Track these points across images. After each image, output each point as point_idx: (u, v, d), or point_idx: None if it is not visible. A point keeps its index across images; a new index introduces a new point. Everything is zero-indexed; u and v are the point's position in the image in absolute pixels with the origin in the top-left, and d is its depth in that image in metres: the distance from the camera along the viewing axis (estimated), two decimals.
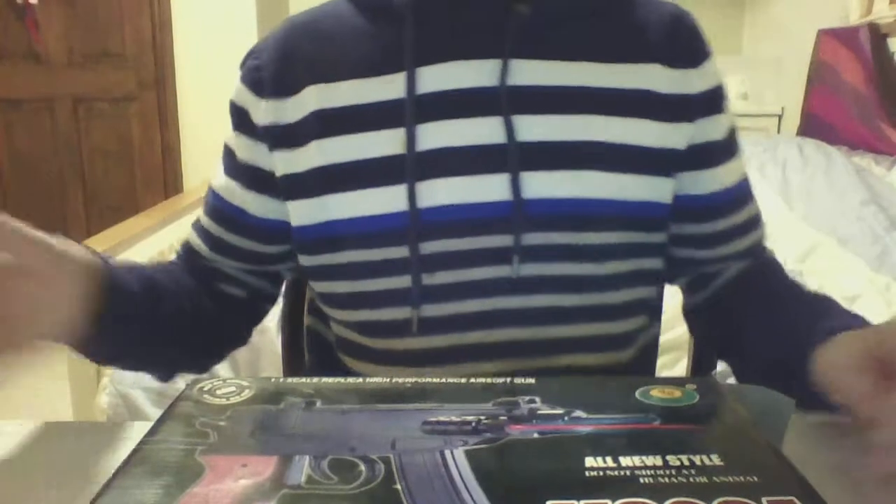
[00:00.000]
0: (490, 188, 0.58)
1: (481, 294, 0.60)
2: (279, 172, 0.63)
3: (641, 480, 0.38)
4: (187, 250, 0.71)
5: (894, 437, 0.40)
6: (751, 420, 0.45)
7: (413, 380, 0.51)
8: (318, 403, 0.48)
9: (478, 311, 0.60)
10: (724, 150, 0.66)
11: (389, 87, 0.60)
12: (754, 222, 0.69)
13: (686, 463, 0.40)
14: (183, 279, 0.66)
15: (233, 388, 0.50)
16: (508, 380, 0.50)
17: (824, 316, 0.55)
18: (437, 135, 0.59)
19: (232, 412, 0.47)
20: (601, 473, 0.39)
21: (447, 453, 0.41)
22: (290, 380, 0.52)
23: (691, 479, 0.38)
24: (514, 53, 0.60)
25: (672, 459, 0.40)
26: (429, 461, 0.40)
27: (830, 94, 2.79)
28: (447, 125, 0.59)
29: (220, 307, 0.67)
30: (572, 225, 0.59)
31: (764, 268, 0.68)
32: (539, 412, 0.46)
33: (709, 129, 0.64)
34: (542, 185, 0.58)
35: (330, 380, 0.52)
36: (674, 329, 1.30)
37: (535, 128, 0.59)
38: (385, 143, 0.59)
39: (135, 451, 0.42)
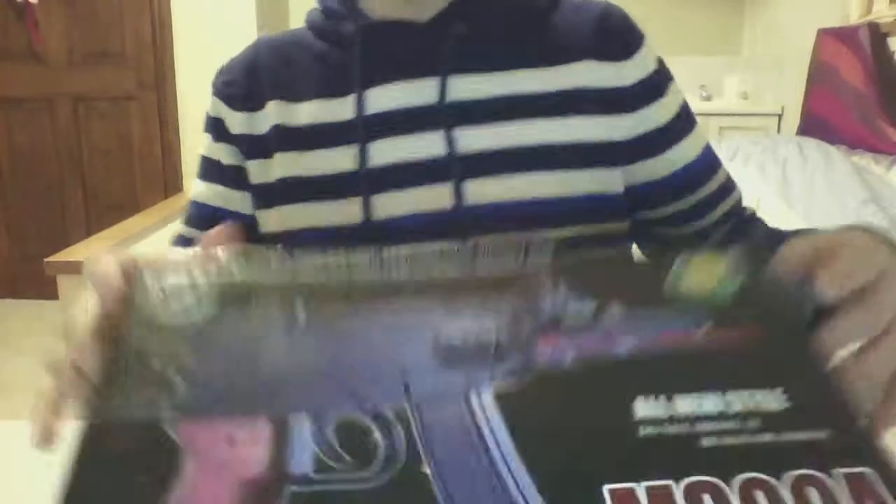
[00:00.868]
0: (437, 198, 0.62)
1: None
2: (253, 181, 0.68)
3: (704, 443, 0.33)
4: None
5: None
6: (794, 312, 0.39)
7: (406, 257, 0.42)
8: (301, 314, 0.38)
9: None
10: (675, 130, 0.67)
11: (342, 108, 0.65)
12: (727, 188, 0.71)
13: (751, 407, 0.35)
14: None
15: (188, 296, 0.40)
16: (522, 255, 0.42)
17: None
18: (386, 151, 0.63)
19: (195, 339, 0.37)
20: (657, 432, 0.34)
21: (474, 403, 0.34)
22: (255, 268, 0.42)
23: (757, 439, 0.34)
24: (451, 70, 0.64)
25: (734, 402, 0.35)
26: (454, 419, 0.34)
27: (830, 93, 2.79)
28: (395, 142, 0.63)
29: None
30: (523, 226, 0.61)
31: (745, 226, 0.71)
32: (568, 311, 0.38)
33: (652, 116, 0.66)
34: (487, 190, 0.62)
35: (305, 266, 0.42)
36: None
37: (476, 138, 0.62)
38: (340, 159, 0.64)
39: (87, 429, 0.34)
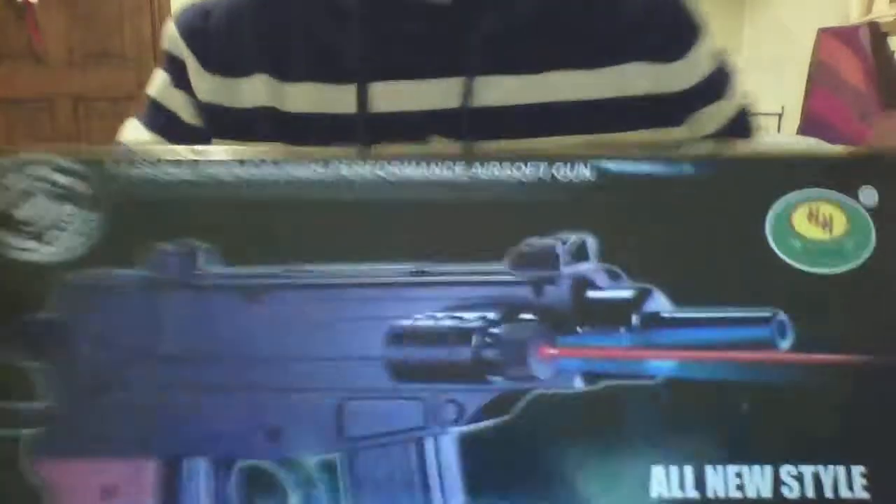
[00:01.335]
0: None
1: None
2: None
3: None
4: None
5: None
6: None
7: (372, 176, 0.26)
8: (211, 269, 0.26)
9: None
10: (728, 136, 0.58)
11: (341, 98, 0.52)
12: None
13: (810, 496, 0.22)
14: None
15: (51, 204, 0.25)
16: (550, 168, 0.26)
17: None
18: None
19: (61, 297, 0.25)
20: None
21: (429, 450, 0.24)
22: (154, 160, 0.27)
23: None
24: (478, 70, 0.52)
25: (789, 484, 0.22)
26: (398, 478, 0.24)
27: (830, 93, 2.79)
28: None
29: None
30: None
31: None
32: (590, 301, 0.24)
33: (703, 123, 0.57)
34: None
35: (233, 186, 0.26)
36: None
37: None
38: None
39: None
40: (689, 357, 0.24)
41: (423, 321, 0.25)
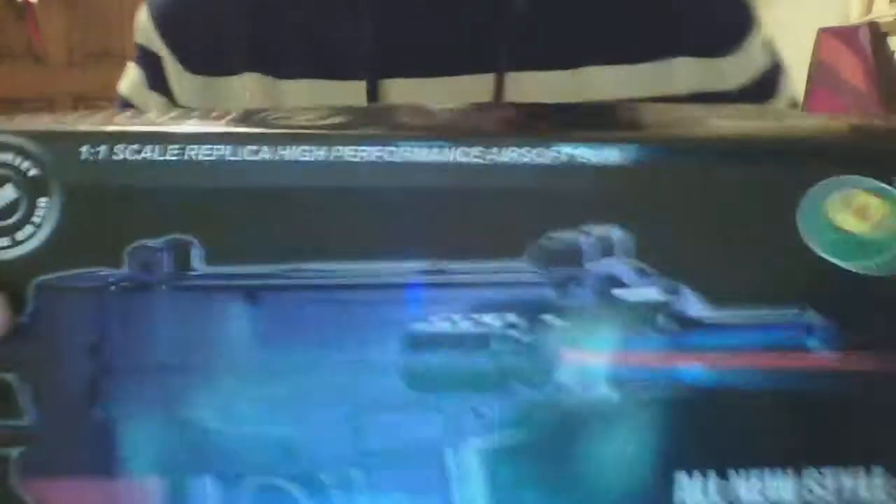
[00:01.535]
0: None
1: None
2: None
3: None
4: None
5: None
6: None
7: (383, 151, 0.23)
8: (195, 258, 0.23)
9: None
10: None
11: (348, 100, 0.46)
12: None
13: (830, 499, 0.22)
14: None
15: (14, 194, 0.23)
16: (559, 150, 0.23)
17: None
18: None
19: (39, 300, 0.23)
20: None
21: (450, 464, 0.23)
22: (136, 144, 0.24)
23: None
24: (509, 65, 0.46)
25: (811, 489, 0.22)
26: (418, 493, 0.23)
27: (830, 93, 2.79)
28: None
29: None
30: None
31: None
32: (618, 290, 0.23)
33: None
34: None
35: (217, 161, 0.23)
36: None
37: None
38: None
39: None
40: (719, 361, 0.23)
41: (439, 325, 0.23)
